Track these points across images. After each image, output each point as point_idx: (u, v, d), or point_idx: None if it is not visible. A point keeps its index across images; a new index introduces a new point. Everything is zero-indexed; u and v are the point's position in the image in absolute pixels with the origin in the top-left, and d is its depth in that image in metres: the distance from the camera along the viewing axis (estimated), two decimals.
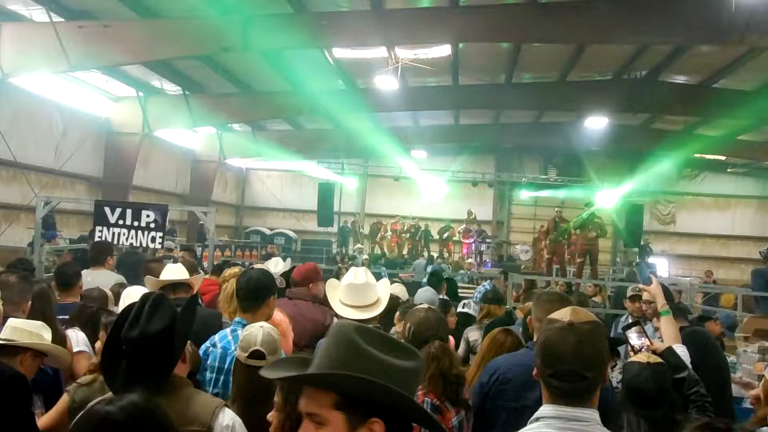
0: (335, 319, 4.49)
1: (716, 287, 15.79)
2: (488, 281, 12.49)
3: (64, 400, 3.12)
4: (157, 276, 5.06)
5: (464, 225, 24.62)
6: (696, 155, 25.56)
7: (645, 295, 3.98)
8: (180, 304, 2.66)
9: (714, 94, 17.63)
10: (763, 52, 14.22)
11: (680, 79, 17.79)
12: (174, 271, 4.95)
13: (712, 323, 7.79)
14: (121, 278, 6.35)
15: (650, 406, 2.12)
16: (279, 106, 19.14)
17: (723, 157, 25.13)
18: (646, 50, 15.70)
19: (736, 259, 26.41)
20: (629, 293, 6.63)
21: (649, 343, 3.15)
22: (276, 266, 6.42)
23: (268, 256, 11.91)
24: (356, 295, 3.68)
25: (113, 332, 2.49)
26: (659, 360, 2.87)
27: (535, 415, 2.13)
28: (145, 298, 2.54)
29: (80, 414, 2.02)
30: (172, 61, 16.30)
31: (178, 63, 16.81)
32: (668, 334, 3.52)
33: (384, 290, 3.83)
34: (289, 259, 7.47)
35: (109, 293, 5.16)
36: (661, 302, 3.84)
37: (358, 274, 3.80)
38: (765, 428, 2.90)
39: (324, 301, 4.18)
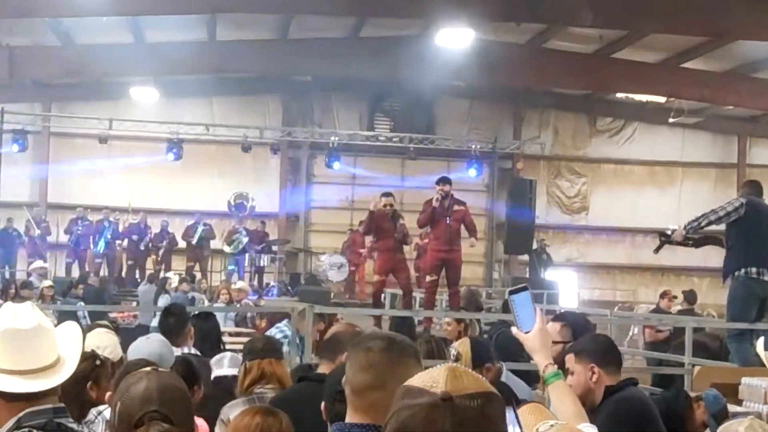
0: None
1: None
2: (284, 321, 8.33)
3: None
4: None
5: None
6: None
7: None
8: None
9: None
10: None
11: None
12: None
13: (696, 406, 5.94)
14: None
15: None
16: None
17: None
18: None
19: None
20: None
21: None
22: None
23: None
24: (18, 351, 2.26)
25: None
26: None
27: None
28: None
29: None
30: None
31: None
32: (562, 411, 2.29)
33: (70, 341, 2.43)
34: None
35: None
36: (543, 361, 2.45)
37: (22, 314, 2.35)
38: None
39: None
